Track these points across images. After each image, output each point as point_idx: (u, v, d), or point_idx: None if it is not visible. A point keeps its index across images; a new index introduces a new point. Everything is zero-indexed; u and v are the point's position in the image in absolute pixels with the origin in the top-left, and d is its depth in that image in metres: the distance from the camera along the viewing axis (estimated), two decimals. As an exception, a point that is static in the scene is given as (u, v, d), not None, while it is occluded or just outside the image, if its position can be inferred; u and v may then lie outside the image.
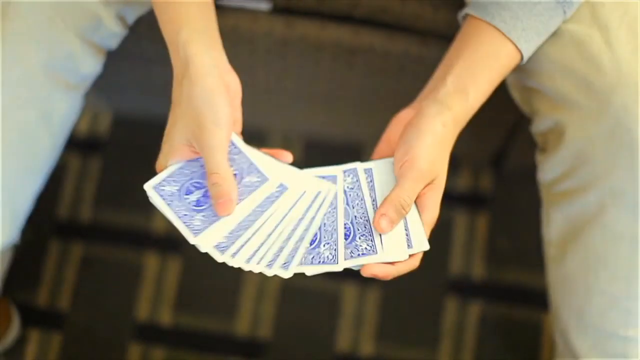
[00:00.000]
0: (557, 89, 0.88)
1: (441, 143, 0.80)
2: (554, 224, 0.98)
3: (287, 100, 1.31)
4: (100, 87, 1.13)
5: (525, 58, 0.85)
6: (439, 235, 1.48)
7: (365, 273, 0.78)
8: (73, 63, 0.97)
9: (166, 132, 0.82)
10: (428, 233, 0.81)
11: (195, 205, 0.79)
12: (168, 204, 0.78)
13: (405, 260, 0.79)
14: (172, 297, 1.46)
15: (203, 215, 0.78)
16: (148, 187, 0.79)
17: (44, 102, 0.97)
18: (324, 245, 0.79)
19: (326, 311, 1.45)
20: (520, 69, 0.92)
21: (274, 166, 0.82)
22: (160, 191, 0.79)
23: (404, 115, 0.85)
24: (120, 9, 0.97)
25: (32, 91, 0.95)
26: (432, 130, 0.79)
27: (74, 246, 1.49)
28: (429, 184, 0.80)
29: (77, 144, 1.54)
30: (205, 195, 0.79)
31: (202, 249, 0.76)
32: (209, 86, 0.79)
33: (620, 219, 0.89)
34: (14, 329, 1.40)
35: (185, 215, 0.78)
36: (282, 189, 0.81)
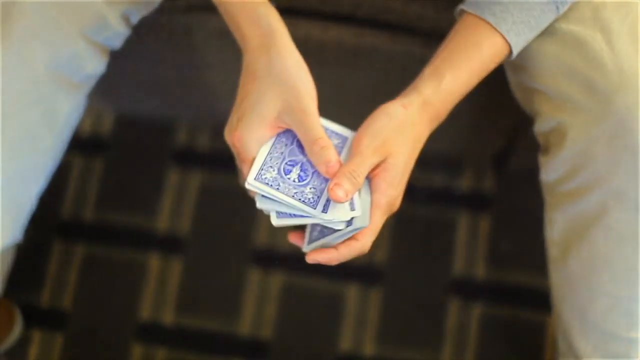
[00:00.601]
0: (559, 90, 0.88)
1: (400, 125, 0.80)
2: (557, 225, 0.98)
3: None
4: (103, 88, 1.13)
5: (515, 52, 0.85)
6: (442, 236, 1.48)
7: (309, 259, 0.78)
8: (77, 63, 0.97)
9: (249, 103, 0.80)
10: (376, 215, 0.79)
11: (299, 181, 0.80)
12: (277, 189, 0.79)
13: (349, 244, 0.78)
14: (175, 298, 1.46)
15: (311, 187, 0.79)
16: (251, 180, 0.79)
17: (47, 102, 0.97)
18: (310, 188, 0.79)
19: (328, 312, 1.45)
20: (523, 70, 0.92)
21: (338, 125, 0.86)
22: (263, 180, 0.79)
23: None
24: (124, 9, 0.97)
25: (36, 91, 0.95)
26: (389, 112, 0.81)
27: (76, 246, 1.49)
28: (381, 162, 0.79)
29: (80, 144, 1.54)
30: (303, 170, 0.80)
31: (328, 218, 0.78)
32: (300, 59, 0.81)
33: (623, 219, 0.89)
34: (17, 329, 1.40)
35: (296, 192, 0.79)
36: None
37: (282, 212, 0.80)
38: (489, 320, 1.44)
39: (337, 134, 0.85)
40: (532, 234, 1.22)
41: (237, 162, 0.84)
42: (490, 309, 1.44)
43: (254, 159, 0.80)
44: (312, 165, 0.81)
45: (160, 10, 1.04)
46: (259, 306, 1.46)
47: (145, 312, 1.46)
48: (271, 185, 0.79)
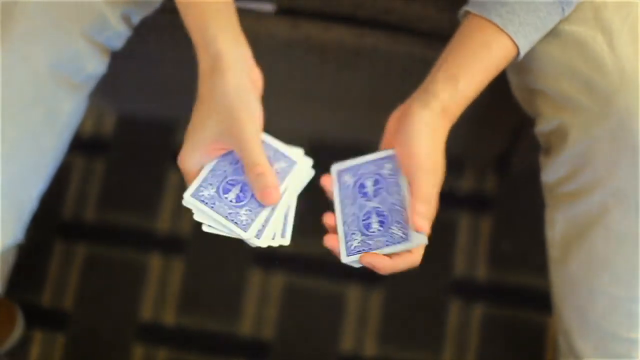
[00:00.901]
0: (560, 91, 0.88)
1: (434, 133, 0.80)
2: (557, 225, 0.98)
3: (291, 102, 1.31)
4: (105, 88, 1.13)
5: (522, 53, 0.85)
6: (443, 236, 1.48)
7: (364, 261, 0.78)
8: (78, 63, 0.97)
9: (192, 126, 0.82)
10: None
11: (236, 202, 0.80)
12: (211, 207, 0.80)
13: (404, 257, 0.79)
14: (176, 298, 1.46)
15: (247, 209, 0.80)
16: (187, 196, 0.80)
17: (49, 102, 0.97)
18: (395, 226, 0.79)
19: (329, 312, 1.45)
20: (524, 71, 0.92)
21: (287, 147, 0.86)
22: (199, 197, 0.80)
23: (396, 112, 0.85)
24: (125, 9, 0.97)
25: (37, 91, 0.95)
26: (425, 120, 0.80)
27: (78, 246, 1.49)
28: None
29: (81, 145, 1.54)
30: (242, 190, 0.81)
31: (258, 244, 0.80)
32: (242, 81, 0.81)
33: (623, 220, 0.89)
34: (18, 329, 1.40)
35: (230, 213, 0.80)
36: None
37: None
38: (490, 320, 1.44)
39: (285, 156, 0.85)
40: (533, 235, 1.21)
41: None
42: (491, 310, 1.44)
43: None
44: (384, 203, 0.81)
45: (161, 11, 1.04)
46: (260, 306, 1.46)
47: (146, 312, 1.46)
48: (206, 203, 0.80)
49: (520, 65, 0.91)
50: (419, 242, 0.78)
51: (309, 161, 0.86)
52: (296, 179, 0.84)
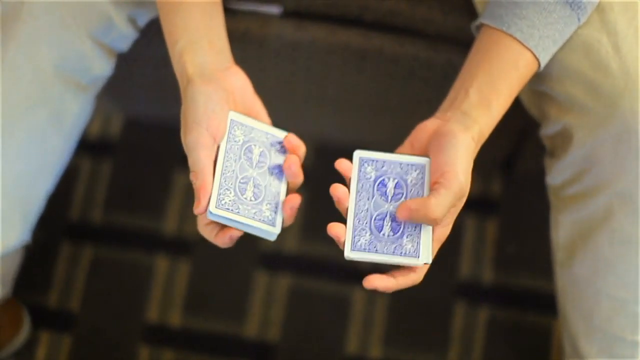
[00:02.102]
0: (566, 93, 0.88)
1: (471, 158, 0.80)
2: (562, 228, 0.98)
3: (297, 104, 1.31)
4: (111, 90, 1.14)
5: (542, 66, 0.84)
6: (448, 239, 1.48)
7: (367, 285, 0.78)
8: (84, 64, 0.98)
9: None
10: (436, 249, 0.80)
11: (255, 199, 0.81)
12: (237, 212, 0.80)
13: (406, 274, 0.79)
14: (182, 300, 1.47)
15: (267, 203, 0.81)
16: (212, 209, 0.79)
17: (55, 103, 0.98)
18: (407, 237, 0.79)
19: (335, 315, 1.45)
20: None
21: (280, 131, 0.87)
22: (224, 206, 0.80)
23: (430, 125, 0.82)
24: (131, 11, 0.97)
25: (43, 91, 0.96)
26: (466, 145, 0.79)
27: (84, 248, 1.50)
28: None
29: (88, 146, 1.55)
30: (256, 186, 0.82)
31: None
32: (195, 88, 0.82)
33: (628, 223, 0.89)
34: (25, 331, 1.40)
35: (255, 212, 0.80)
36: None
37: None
38: (496, 323, 1.44)
39: (275, 136, 0.86)
40: (539, 238, 1.22)
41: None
42: (497, 312, 1.44)
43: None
44: (263, 178, 0.82)
45: (168, 13, 1.04)
46: (266, 308, 1.46)
47: (152, 313, 1.46)
48: (232, 210, 0.79)
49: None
50: (426, 261, 0.78)
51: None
52: (428, 181, 0.81)
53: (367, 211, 0.80)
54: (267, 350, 1.44)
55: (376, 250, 0.78)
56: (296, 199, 0.82)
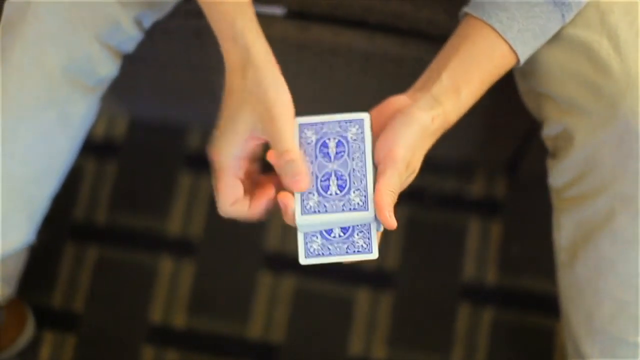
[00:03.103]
0: (567, 95, 0.88)
1: (424, 136, 0.80)
2: (564, 229, 0.98)
3: (301, 105, 1.31)
4: (116, 91, 1.14)
5: (522, 60, 0.85)
6: (452, 241, 1.48)
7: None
8: (90, 66, 0.98)
9: (225, 120, 0.81)
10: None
11: (340, 191, 0.80)
12: (325, 212, 0.79)
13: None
14: (186, 300, 1.47)
15: (354, 190, 0.79)
16: (299, 218, 0.79)
17: (61, 104, 0.98)
18: (354, 192, 0.79)
19: (339, 315, 1.45)
20: (531, 75, 0.92)
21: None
22: (309, 211, 0.79)
23: (398, 101, 0.83)
24: (137, 12, 0.98)
25: (49, 93, 0.96)
26: (421, 122, 0.79)
27: (89, 248, 1.50)
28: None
29: (93, 148, 1.55)
30: (338, 178, 0.80)
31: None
32: (276, 72, 0.81)
33: (629, 224, 0.89)
34: (29, 331, 1.41)
35: (344, 204, 0.79)
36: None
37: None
38: (499, 325, 1.44)
39: (351, 121, 0.83)
40: (543, 240, 1.21)
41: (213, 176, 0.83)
42: (501, 314, 1.44)
43: (226, 174, 0.81)
44: (346, 167, 0.81)
45: (173, 14, 1.04)
46: (270, 309, 1.46)
47: (156, 314, 1.46)
48: (318, 212, 0.79)
49: (527, 69, 0.92)
50: (373, 214, 0.78)
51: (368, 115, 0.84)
52: (369, 134, 0.82)
53: (312, 174, 0.80)
54: (271, 351, 1.44)
55: (326, 210, 0.78)
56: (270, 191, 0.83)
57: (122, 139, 1.57)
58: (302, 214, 0.79)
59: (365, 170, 0.79)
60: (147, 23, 1.01)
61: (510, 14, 0.83)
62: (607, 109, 0.86)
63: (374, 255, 0.78)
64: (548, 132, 0.95)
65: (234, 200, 0.81)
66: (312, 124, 0.83)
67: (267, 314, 1.46)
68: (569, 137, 0.91)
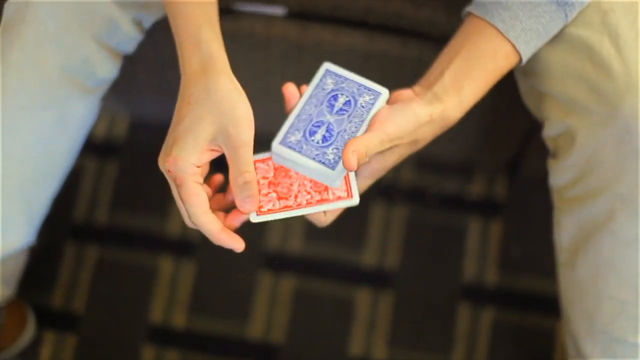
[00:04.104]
0: (568, 94, 0.88)
1: (416, 126, 0.81)
2: (565, 229, 0.98)
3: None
4: (117, 92, 1.14)
5: (525, 60, 0.85)
6: (453, 241, 1.48)
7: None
8: (90, 67, 0.98)
9: (185, 126, 0.79)
10: (366, 185, 0.85)
11: (323, 142, 0.82)
12: (298, 152, 0.81)
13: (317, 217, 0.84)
14: (186, 301, 1.47)
15: (334, 148, 0.81)
16: (276, 144, 0.81)
17: (60, 105, 0.98)
18: (332, 148, 0.81)
19: (339, 316, 1.45)
20: (532, 75, 0.92)
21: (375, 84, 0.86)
22: (287, 144, 0.82)
23: (403, 95, 0.85)
24: (136, 13, 0.98)
25: (49, 94, 0.96)
26: (416, 113, 0.81)
27: (89, 249, 1.50)
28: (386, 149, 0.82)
29: (94, 148, 1.55)
30: (328, 130, 0.82)
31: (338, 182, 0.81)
32: (237, 86, 0.80)
33: (630, 225, 0.89)
34: (29, 331, 1.41)
35: (317, 154, 0.81)
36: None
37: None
38: (500, 325, 1.44)
39: (368, 89, 0.85)
40: (543, 240, 1.22)
41: (173, 189, 0.82)
42: (501, 314, 1.44)
43: (190, 182, 0.79)
44: (340, 125, 0.82)
45: (173, 15, 1.04)
46: (270, 310, 1.46)
47: (156, 314, 1.46)
48: (294, 149, 0.81)
49: (528, 68, 0.92)
50: (337, 178, 0.80)
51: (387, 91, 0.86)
52: (377, 108, 0.84)
53: (309, 115, 0.83)
54: (271, 352, 1.44)
55: (300, 151, 0.81)
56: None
57: (122, 140, 1.57)
58: (279, 142, 0.82)
59: (355, 136, 0.81)
60: (147, 23, 1.01)
61: (513, 14, 0.83)
62: (607, 109, 0.86)
63: (334, 174, 0.80)
64: (549, 132, 0.95)
65: (204, 207, 0.80)
66: (337, 75, 0.86)
67: (268, 314, 1.46)
68: (570, 137, 0.91)
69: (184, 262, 1.49)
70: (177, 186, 0.79)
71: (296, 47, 1.12)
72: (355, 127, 0.82)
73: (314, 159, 0.80)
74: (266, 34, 1.10)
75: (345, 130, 0.82)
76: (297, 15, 1.10)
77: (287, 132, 0.82)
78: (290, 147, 0.81)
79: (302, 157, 0.81)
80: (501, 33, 0.83)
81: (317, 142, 0.81)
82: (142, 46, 1.05)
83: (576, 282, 0.98)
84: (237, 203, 0.80)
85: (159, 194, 1.52)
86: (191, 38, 0.82)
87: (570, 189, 0.94)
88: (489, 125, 1.30)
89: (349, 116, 0.83)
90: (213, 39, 0.81)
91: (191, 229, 0.83)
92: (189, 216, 0.80)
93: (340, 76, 0.86)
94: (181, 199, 0.80)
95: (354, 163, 0.77)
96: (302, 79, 1.21)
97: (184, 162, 0.78)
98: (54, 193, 1.06)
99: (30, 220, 1.05)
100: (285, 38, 1.11)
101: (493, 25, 0.83)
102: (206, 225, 0.80)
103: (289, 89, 0.85)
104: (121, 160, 1.56)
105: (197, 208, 0.79)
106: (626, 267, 0.91)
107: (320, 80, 0.86)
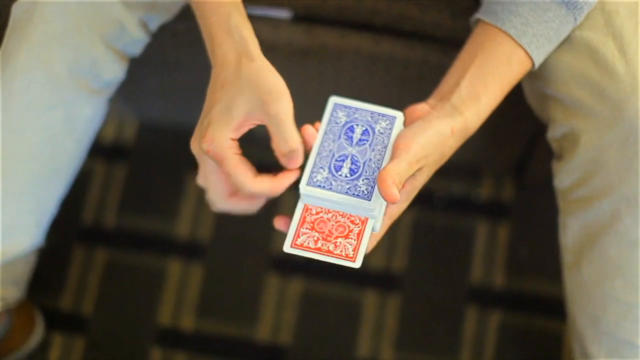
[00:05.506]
0: (572, 96, 0.88)
1: (440, 142, 0.81)
2: (570, 231, 0.98)
3: (307, 108, 1.31)
4: (125, 95, 1.15)
5: (537, 64, 0.85)
6: (460, 244, 1.48)
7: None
8: (96, 68, 0.98)
9: (220, 110, 0.80)
10: (387, 224, 0.84)
11: (351, 175, 0.81)
12: (329, 189, 0.80)
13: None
14: (194, 303, 1.47)
15: (364, 179, 0.81)
16: (304, 186, 0.81)
17: (68, 106, 0.98)
18: (363, 180, 0.81)
19: (346, 318, 1.45)
20: (536, 77, 0.92)
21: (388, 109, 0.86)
22: (315, 184, 0.81)
23: (419, 111, 0.84)
24: (143, 15, 0.98)
25: (56, 95, 0.97)
26: (439, 129, 0.80)
27: (98, 251, 1.51)
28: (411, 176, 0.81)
29: (102, 151, 1.56)
30: (354, 162, 0.82)
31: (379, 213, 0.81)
32: (267, 63, 0.81)
33: (635, 226, 0.89)
34: (38, 333, 1.41)
35: (349, 188, 0.80)
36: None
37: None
38: (507, 328, 1.44)
39: (383, 115, 0.85)
40: (550, 243, 1.21)
41: (202, 173, 0.83)
42: (508, 317, 1.44)
43: (232, 154, 0.79)
44: (364, 155, 0.82)
45: (180, 17, 1.05)
46: (278, 312, 1.46)
47: (165, 317, 1.47)
48: (323, 187, 0.80)
49: (533, 71, 0.92)
50: (374, 205, 0.79)
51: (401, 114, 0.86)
52: (396, 133, 0.84)
53: (330, 151, 0.82)
54: (279, 354, 1.44)
55: (331, 187, 0.80)
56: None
57: (131, 142, 1.57)
58: (307, 184, 0.81)
59: (381, 164, 0.81)
60: (153, 26, 1.02)
61: (524, 19, 0.83)
62: (612, 111, 0.86)
63: (371, 204, 0.79)
64: (553, 133, 0.95)
65: (252, 171, 0.81)
66: (346, 107, 0.85)
67: (275, 317, 1.46)
68: (575, 139, 0.90)
69: (192, 265, 1.49)
70: (219, 162, 0.80)
71: (302, 50, 1.12)
72: (380, 155, 0.82)
73: (346, 193, 0.80)
74: (272, 37, 1.11)
75: (370, 160, 0.81)
76: (303, 18, 1.11)
77: (312, 172, 0.81)
78: (319, 187, 0.80)
79: (335, 193, 0.80)
80: (514, 39, 0.83)
81: (346, 176, 0.81)
82: (149, 49, 1.06)
83: (582, 284, 0.98)
84: (285, 163, 0.81)
85: (167, 196, 1.53)
86: (222, 26, 0.82)
87: (575, 190, 0.94)
88: (496, 128, 1.29)
89: (370, 145, 0.82)
90: (243, 24, 0.82)
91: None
92: (240, 186, 0.80)
93: (350, 107, 0.85)
94: (228, 172, 0.80)
95: (396, 195, 0.76)
96: (308, 82, 1.22)
97: (222, 138, 0.79)
98: (62, 194, 1.07)
99: (38, 221, 1.06)
100: (291, 41, 1.11)
101: (505, 32, 0.83)
102: (261, 185, 0.80)
103: (308, 130, 0.83)
104: (130, 163, 1.56)
105: (245, 175, 0.80)
106: (632, 268, 0.91)
107: (332, 114, 0.85)
